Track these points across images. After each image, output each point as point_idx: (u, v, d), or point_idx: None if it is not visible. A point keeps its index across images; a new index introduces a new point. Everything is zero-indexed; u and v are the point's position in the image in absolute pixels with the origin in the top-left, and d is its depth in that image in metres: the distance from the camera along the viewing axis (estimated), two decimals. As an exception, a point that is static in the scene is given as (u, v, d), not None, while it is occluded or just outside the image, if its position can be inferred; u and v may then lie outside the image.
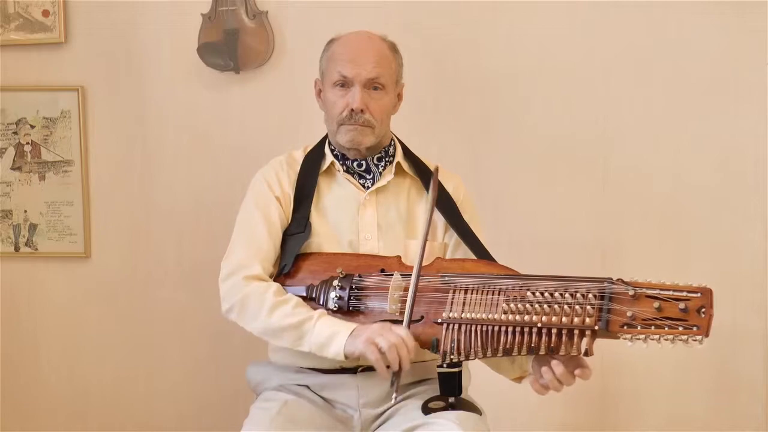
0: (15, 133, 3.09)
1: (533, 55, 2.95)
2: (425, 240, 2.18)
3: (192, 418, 3.09)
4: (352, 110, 2.31)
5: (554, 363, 2.05)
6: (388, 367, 2.08)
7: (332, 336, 2.14)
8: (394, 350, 2.06)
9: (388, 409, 2.26)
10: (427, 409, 2.17)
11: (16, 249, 3.12)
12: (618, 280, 2.02)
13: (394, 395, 2.10)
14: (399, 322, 2.13)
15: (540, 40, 2.95)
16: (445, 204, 2.39)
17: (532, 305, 2.05)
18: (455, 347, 2.10)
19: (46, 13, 3.02)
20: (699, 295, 1.93)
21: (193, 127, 3.05)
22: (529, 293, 2.07)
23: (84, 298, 3.12)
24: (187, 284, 3.06)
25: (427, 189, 2.37)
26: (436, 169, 2.30)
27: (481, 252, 2.33)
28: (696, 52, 2.91)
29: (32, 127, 3.08)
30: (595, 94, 2.94)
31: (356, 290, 2.22)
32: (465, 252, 2.36)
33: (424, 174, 2.42)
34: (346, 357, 2.13)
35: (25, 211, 3.11)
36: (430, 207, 2.22)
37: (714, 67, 2.91)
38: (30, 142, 3.09)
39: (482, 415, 2.21)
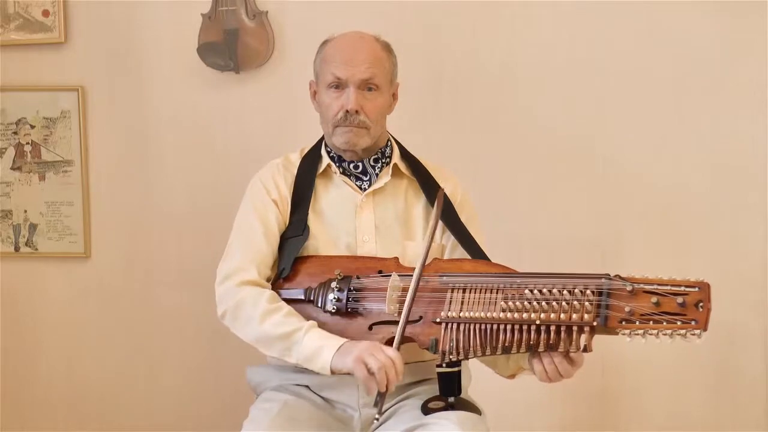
0: (15, 133, 3.10)
1: (533, 55, 2.95)
2: (428, 247, 2.17)
3: (192, 418, 3.09)
4: (347, 111, 2.30)
5: (546, 361, 2.05)
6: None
7: (319, 349, 2.12)
8: (383, 371, 2.04)
9: (386, 410, 2.25)
10: (426, 409, 2.16)
11: (16, 249, 3.12)
12: (615, 276, 2.02)
13: (377, 416, 2.09)
14: (396, 323, 2.12)
15: (540, 39, 2.95)
16: (443, 205, 2.38)
17: (530, 303, 2.05)
18: (454, 346, 2.09)
19: (46, 13, 3.03)
20: (697, 289, 1.93)
21: (193, 127, 3.06)
22: (527, 291, 2.06)
23: (84, 298, 3.12)
24: (186, 284, 3.06)
25: (425, 190, 2.38)
26: (441, 191, 2.29)
27: (477, 254, 2.32)
28: (696, 52, 2.91)
29: (32, 127, 3.08)
30: (594, 94, 2.94)
31: (354, 291, 2.21)
32: (462, 254, 2.34)
33: (421, 175, 2.41)
34: (332, 372, 2.11)
35: (25, 211, 3.11)
36: (431, 228, 2.21)
37: (714, 67, 2.91)
38: (30, 142, 3.09)
39: (482, 415, 2.20)
